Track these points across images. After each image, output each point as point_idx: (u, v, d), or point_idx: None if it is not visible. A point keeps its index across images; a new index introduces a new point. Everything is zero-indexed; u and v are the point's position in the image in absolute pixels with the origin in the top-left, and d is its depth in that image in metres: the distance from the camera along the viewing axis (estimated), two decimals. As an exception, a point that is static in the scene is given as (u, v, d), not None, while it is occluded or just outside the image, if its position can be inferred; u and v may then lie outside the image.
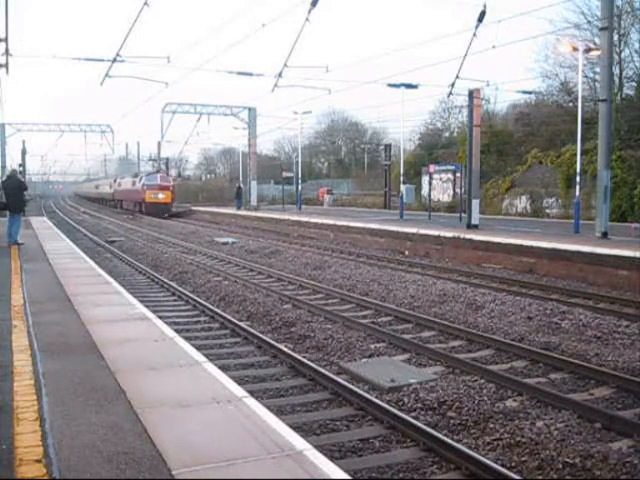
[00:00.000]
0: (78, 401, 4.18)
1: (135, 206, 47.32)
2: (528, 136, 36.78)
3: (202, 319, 10.42)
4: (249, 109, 42.46)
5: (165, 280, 13.95)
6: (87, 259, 13.28)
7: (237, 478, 3.13)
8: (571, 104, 34.12)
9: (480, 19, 17.02)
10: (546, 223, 25.40)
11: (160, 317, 7.54)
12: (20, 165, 36.33)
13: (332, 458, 4.46)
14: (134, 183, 47.48)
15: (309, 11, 16.31)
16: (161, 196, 43.22)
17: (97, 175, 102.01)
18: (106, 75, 19.61)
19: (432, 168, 33.16)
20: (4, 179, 17.26)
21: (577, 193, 21.27)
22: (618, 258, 13.76)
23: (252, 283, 13.69)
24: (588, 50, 24.17)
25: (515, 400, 6.43)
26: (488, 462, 4.74)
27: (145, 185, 43.44)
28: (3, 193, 16.03)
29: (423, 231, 20.39)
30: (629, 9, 32.55)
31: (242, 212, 37.01)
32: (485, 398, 6.36)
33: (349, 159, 70.80)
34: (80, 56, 20.72)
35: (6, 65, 16.49)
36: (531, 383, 6.90)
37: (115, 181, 58.54)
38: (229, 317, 10.07)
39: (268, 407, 4.40)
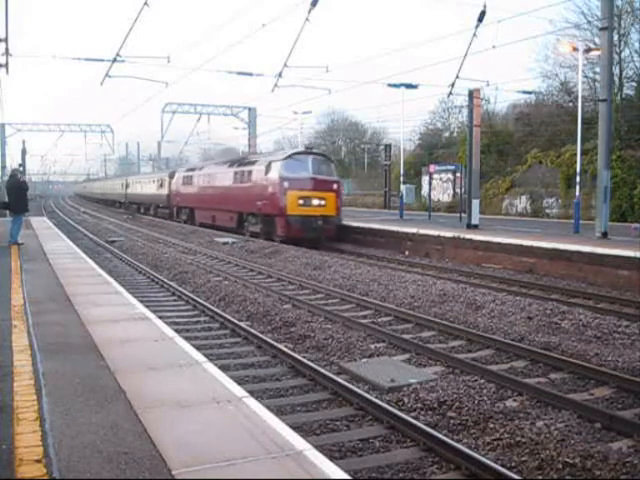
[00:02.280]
0: (78, 401, 4.18)
1: (242, 222, 25.30)
2: (528, 136, 36.78)
3: (202, 319, 10.42)
4: (249, 109, 42.56)
5: (165, 280, 13.95)
6: (87, 259, 13.27)
7: (237, 478, 3.14)
8: (571, 104, 34.12)
9: (480, 19, 17.04)
10: (546, 223, 25.40)
11: (160, 317, 7.54)
12: (20, 165, 36.34)
13: (332, 458, 4.46)
14: (246, 175, 25.04)
15: (309, 11, 16.35)
16: (317, 203, 21.94)
17: (97, 175, 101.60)
18: (106, 75, 19.66)
19: (432, 168, 33.19)
20: (6, 179, 17.34)
21: (577, 193, 21.29)
22: (618, 258, 13.76)
23: (252, 283, 13.68)
24: (588, 50, 24.25)
25: (515, 400, 6.43)
26: (488, 462, 4.74)
27: (285, 179, 21.93)
28: (5, 193, 16.10)
29: (423, 231, 20.39)
30: (629, 9, 32.57)
31: None
32: (485, 398, 6.35)
33: (349, 159, 70.74)
34: (80, 56, 20.84)
35: (6, 65, 16.54)
36: (531, 383, 6.89)
37: (173, 176, 37.05)
38: (229, 317, 10.07)
39: (268, 407, 4.40)
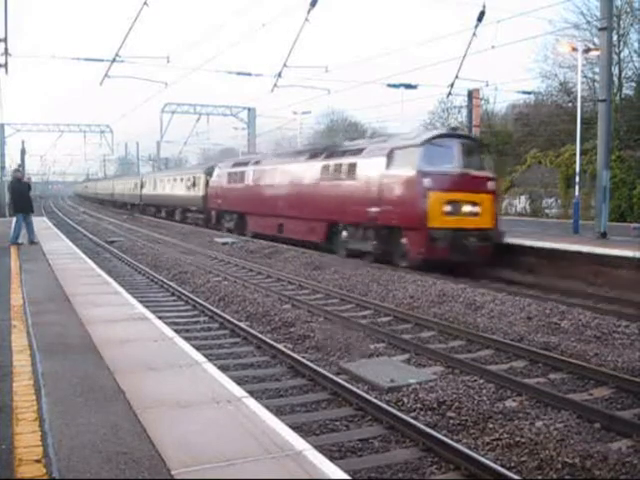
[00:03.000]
0: (77, 401, 4.18)
1: (333, 236, 18.67)
2: (527, 136, 36.84)
3: (201, 319, 10.42)
4: (249, 109, 42.57)
5: (165, 280, 13.95)
6: (87, 259, 13.27)
7: (237, 478, 3.14)
8: (570, 104, 34.20)
9: (480, 19, 17.05)
10: (545, 223, 25.43)
11: (160, 317, 7.54)
12: (19, 165, 36.38)
13: (332, 458, 4.45)
14: (345, 169, 18.11)
15: (309, 11, 16.35)
16: (469, 209, 15.38)
17: (97, 175, 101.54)
18: (106, 75, 19.68)
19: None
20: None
21: (576, 193, 21.32)
22: (618, 258, 13.76)
23: (251, 283, 13.69)
24: (587, 50, 24.30)
25: (515, 400, 6.43)
26: (487, 462, 4.74)
27: (426, 175, 15.09)
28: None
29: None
30: (629, 9, 32.67)
31: None
32: (484, 398, 6.35)
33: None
34: (80, 56, 20.89)
35: (6, 65, 16.56)
36: (531, 383, 6.90)
37: (211, 173, 30.27)
38: (228, 317, 10.07)
39: (268, 407, 4.40)
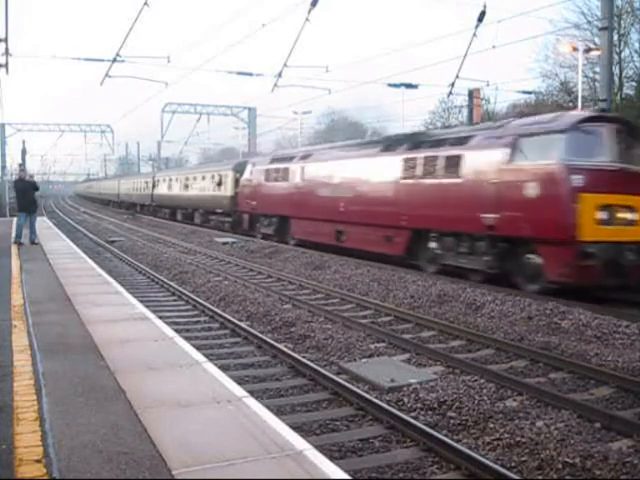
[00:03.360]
0: (78, 401, 4.19)
1: (418, 247, 15.20)
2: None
3: (202, 319, 10.42)
4: (249, 109, 42.60)
5: (165, 280, 13.95)
6: (87, 259, 13.29)
7: (237, 478, 3.14)
8: (571, 104, 34.13)
9: (480, 19, 17.03)
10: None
11: (160, 317, 7.55)
12: (20, 165, 36.43)
13: (332, 458, 4.45)
14: (443, 164, 14.22)
15: (309, 11, 16.33)
16: (627, 217, 11.57)
17: (97, 175, 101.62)
18: (106, 75, 19.68)
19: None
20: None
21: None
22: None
23: (252, 283, 13.69)
24: (588, 50, 24.34)
25: (515, 400, 6.43)
26: (488, 462, 4.73)
27: (574, 170, 11.25)
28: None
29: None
30: (629, 9, 32.62)
31: None
32: (485, 398, 6.35)
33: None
34: (80, 56, 20.92)
35: (6, 65, 16.59)
36: (531, 383, 6.90)
37: (242, 170, 26.51)
38: (229, 317, 10.07)
39: (268, 407, 4.40)
